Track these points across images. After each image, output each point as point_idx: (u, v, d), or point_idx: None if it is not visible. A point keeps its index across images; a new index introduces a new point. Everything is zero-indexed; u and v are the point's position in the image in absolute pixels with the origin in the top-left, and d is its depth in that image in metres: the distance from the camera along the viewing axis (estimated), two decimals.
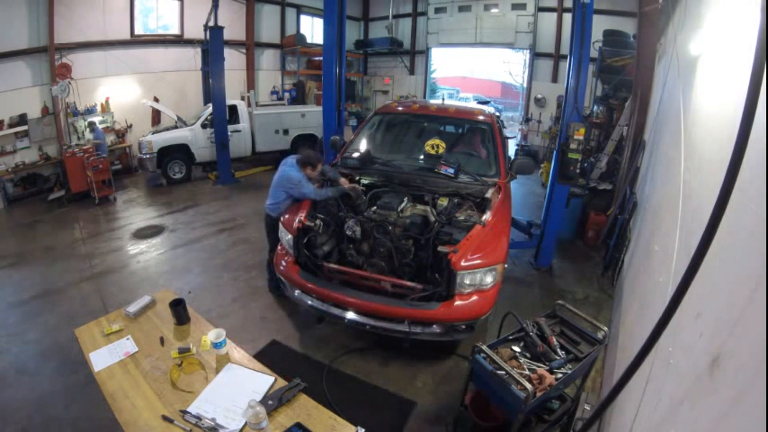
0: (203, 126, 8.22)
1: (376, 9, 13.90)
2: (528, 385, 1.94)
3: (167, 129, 8.38)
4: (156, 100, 9.15)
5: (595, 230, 5.48)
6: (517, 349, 2.30)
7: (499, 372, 2.10)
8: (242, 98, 9.61)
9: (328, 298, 3.06)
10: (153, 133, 8.25)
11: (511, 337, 2.39)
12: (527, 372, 2.13)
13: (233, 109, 8.47)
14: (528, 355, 2.28)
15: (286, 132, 9.27)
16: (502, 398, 2.09)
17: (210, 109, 8.22)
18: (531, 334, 2.32)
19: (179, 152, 8.06)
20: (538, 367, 2.17)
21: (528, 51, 11.48)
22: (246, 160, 9.32)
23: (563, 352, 2.27)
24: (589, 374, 2.54)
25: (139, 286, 4.33)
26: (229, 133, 8.11)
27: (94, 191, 6.86)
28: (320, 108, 9.83)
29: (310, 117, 9.54)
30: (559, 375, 2.13)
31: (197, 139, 8.20)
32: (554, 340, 2.31)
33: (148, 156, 7.65)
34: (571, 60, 4.25)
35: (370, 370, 3.20)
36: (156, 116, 9.30)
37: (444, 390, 3.01)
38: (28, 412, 2.72)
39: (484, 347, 2.19)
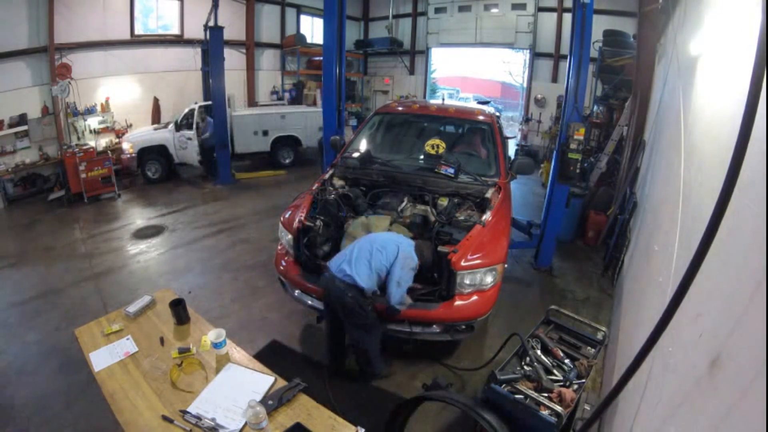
0: (177, 128, 8.14)
1: (376, 9, 13.90)
2: (558, 408, 1.86)
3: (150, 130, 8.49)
4: (156, 100, 9.14)
5: (595, 230, 5.48)
6: (527, 368, 2.17)
7: (517, 397, 1.96)
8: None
9: None
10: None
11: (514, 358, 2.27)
12: (536, 394, 1.99)
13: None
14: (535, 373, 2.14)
15: (265, 133, 9.14)
16: (530, 427, 1.91)
17: (187, 109, 8.22)
18: (535, 365, 2.14)
19: (158, 153, 8.17)
20: (556, 383, 2.05)
21: (528, 51, 11.48)
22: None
23: (569, 360, 2.21)
24: (589, 374, 2.54)
25: (139, 286, 4.32)
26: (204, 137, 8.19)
27: (95, 192, 6.86)
28: (306, 109, 9.90)
29: (291, 118, 9.35)
30: (575, 386, 2.03)
31: (175, 139, 8.23)
32: (560, 352, 2.25)
33: (129, 156, 7.85)
34: (571, 60, 4.25)
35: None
36: (156, 114, 9.29)
37: None
38: (28, 412, 2.72)
39: (502, 377, 2.02)
